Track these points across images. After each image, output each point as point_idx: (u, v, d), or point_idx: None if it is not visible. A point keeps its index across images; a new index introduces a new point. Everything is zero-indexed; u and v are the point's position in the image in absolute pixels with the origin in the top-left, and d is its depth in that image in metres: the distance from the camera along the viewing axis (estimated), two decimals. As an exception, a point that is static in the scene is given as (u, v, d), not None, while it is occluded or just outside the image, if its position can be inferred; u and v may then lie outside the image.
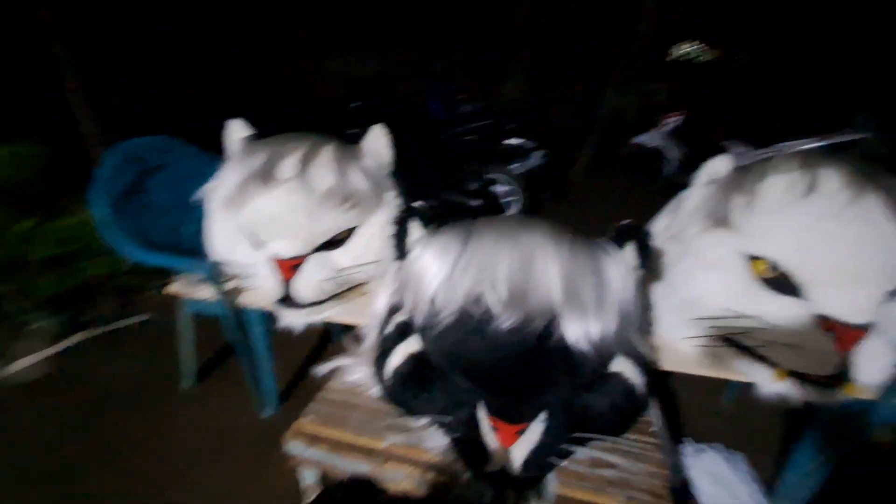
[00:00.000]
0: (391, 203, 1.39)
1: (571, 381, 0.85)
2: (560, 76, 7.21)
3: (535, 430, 0.85)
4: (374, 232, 1.34)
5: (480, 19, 7.39)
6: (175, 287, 1.56)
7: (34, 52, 2.90)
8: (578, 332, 0.82)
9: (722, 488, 1.31)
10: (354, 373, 1.25)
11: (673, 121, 4.03)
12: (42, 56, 2.76)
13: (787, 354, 1.01)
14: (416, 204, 1.02)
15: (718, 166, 1.18)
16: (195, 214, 1.72)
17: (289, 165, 1.25)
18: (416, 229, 1.02)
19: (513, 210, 3.19)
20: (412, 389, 0.96)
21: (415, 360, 0.95)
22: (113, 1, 3.85)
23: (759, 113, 5.20)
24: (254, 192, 1.24)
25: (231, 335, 1.50)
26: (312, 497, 0.82)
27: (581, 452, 0.98)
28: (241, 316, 1.49)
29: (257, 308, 1.49)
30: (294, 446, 1.09)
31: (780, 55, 6.87)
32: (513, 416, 0.84)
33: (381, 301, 1.11)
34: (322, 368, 1.30)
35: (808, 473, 1.24)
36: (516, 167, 3.05)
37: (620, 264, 0.91)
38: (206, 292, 1.50)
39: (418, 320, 0.93)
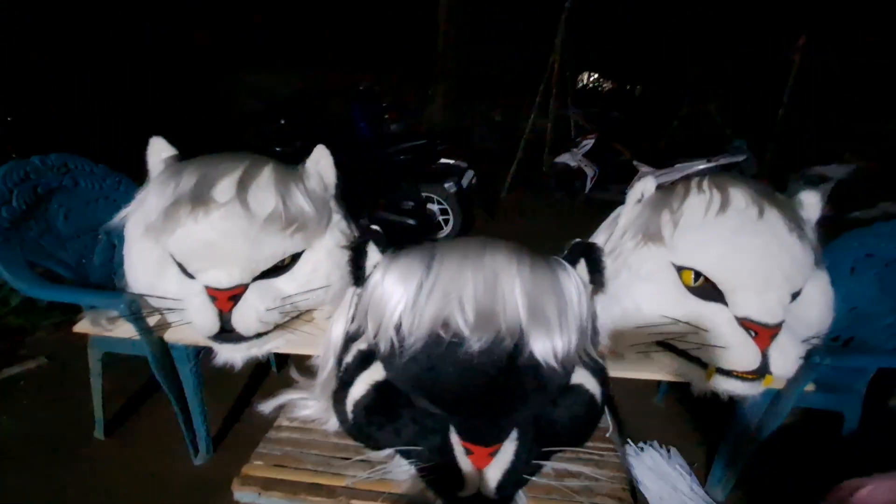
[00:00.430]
0: (337, 226, 1.34)
1: (541, 398, 0.87)
2: (479, 101, 7.57)
3: (507, 450, 0.85)
4: (321, 256, 1.28)
5: (406, 44, 7.54)
6: (83, 325, 1.36)
7: None
8: (546, 348, 0.84)
9: (664, 483, 1.41)
10: (305, 408, 1.17)
11: (587, 142, 4.38)
12: None
13: (717, 355, 1.12)
14: (373, 227, 1.00)
15: (646, 186, 1.29)
16: (103, 243, 1.54)
17: (225, 187, 1.16)
18: (373, 254, 1.00)
19: (447, 228, 3.23)
20: (377, 420, 0.92)
21: (379, 390, 0.91)
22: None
23: (656, 136, 5.86)
24: (185, 217, 1.13)
25: (158, 375, 1.33)
26: None
27: (546, 466, 1.00)
28: (167, 354, 1.34)
29: (185, 344, 1.34)
30: (243, 495, 0.99)
31: (669, 86, 7.83)
32: (486, 437, 0.84)
33: (337, 329, 1.05)
34: (267, 405, 1.20)
35: (734, 459, 1.38)
36: (449, 186, 3.10)
37: (576, 280, 0.96)
38: (122, 330, 1.33)
39: (382, 347, 0.90)
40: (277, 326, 1.27)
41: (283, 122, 3.18)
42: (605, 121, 4.61)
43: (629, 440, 1.62)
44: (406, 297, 0.88)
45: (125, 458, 1.53)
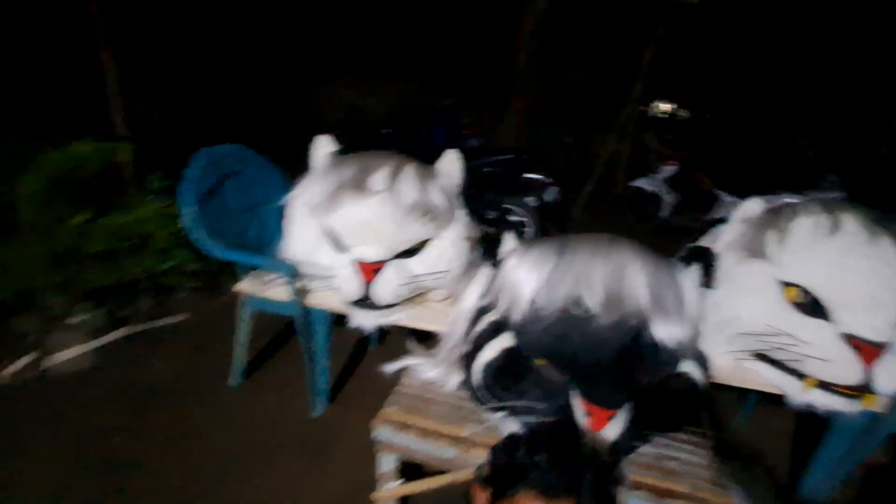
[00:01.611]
0: (460, 220, 1.54)
1: (656, 375, 1.00)
2: (552, 122, 7.71)
3: (622, 417, 0.99)
4: (446, 245, 1.48)
5: (486, 63, 7.88)
6: (244, 285, 1.64)
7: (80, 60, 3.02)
8: (665, 332, 0.98)
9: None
10: (427, 371, 1.36)
11: (669, 169, 4.38)
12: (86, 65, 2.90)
13: (818, 367, 1.18)
14: (512, 219, 1.18)
15: (752, 207, 1.38)
16: (259, 219, 1.83)
17: (380, 179, 1.40)
18: (508, 241, 1.18)
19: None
20: (505, 381, 1.08)
21: (509, 355, 1.08)
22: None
23: (735, 166, 5.68)
24: (347, 200, 1.37)
25: (302, 334, 1.58)
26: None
27: (648, 443, 1.11)
28: (309, 316, 1.59)
29: (324, 309, 1.58)
30: (382, 432, 1.18)
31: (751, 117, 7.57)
32: (607, 401, 0.98)
33: (468, 302, 1.24)
34: (390, 367, 1.41)
35: (825, 481, 1.40)
36: (531, 200, 3.25)
37: (691, 280, 1.08)
38: (274, 292, 1.59)
39: (515, 319, 1.06)
40: (403, 301, 1.48)
41: (389, 130, 3.49)
42: (688, 148, 4.59)
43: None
44: (541, 277, 1.05)
45: (252, 405, 1.80)
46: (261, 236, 1.83)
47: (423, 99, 6.46)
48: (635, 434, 1.00)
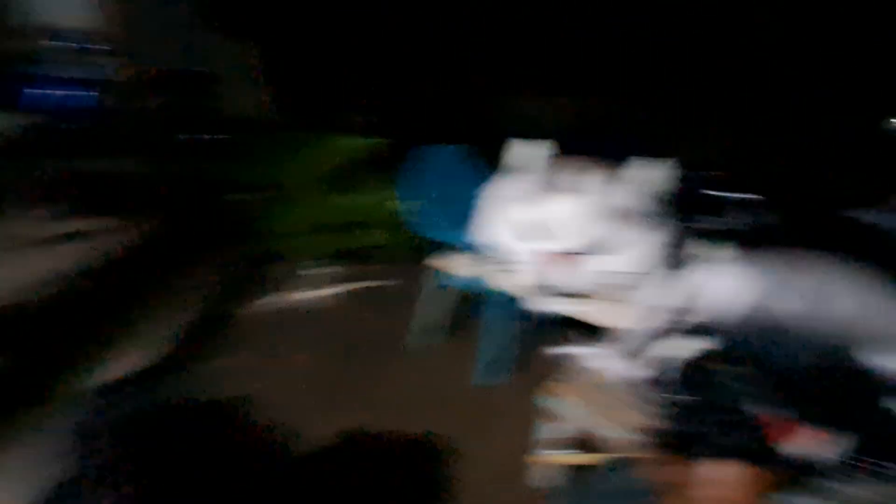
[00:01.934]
0: (647, 226, 1.59)
1: (858, 402, 0.94)
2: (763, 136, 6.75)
3: (807, 435, 0.95)
4: (632, 246, 1.55)
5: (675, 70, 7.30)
6: (442, 262, 1.97)
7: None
8: (872, 361, 0.91)
9: None
10: (595, 359, 1.46)
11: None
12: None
13: None
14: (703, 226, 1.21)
15: None
16: (460, 207, 2.14)
17: (575, 179, 1.55)
18: (694, 246, 1.21)
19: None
20: (694, 381, 1.11)
21: (701, 357, 1.11)
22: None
23: None
24: (542, 196, 1.57)
25: (487, 310, 1.83)
26: None
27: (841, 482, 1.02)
28: (492, 295, 1.83)
29: (505, 290, 1.80)
30: (549, 402, 1.33)
31: None
32: (800, 416, 0.95)
33: (658, 302, 1.30)
34: (558, 350, 1.55)
35: None
36: (727, 220, 3.01)
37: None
38: (466, 270, 1.87)
39: (714, 324, 1.10)
40: (581, 294, 1.60)
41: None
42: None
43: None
44: (747, 286, 1.07)
45: (432, 364, 2.11)
46: (459, 222, 2.15)
47: (603, 112, 6.35)
48: (829, 460, 0.95)
